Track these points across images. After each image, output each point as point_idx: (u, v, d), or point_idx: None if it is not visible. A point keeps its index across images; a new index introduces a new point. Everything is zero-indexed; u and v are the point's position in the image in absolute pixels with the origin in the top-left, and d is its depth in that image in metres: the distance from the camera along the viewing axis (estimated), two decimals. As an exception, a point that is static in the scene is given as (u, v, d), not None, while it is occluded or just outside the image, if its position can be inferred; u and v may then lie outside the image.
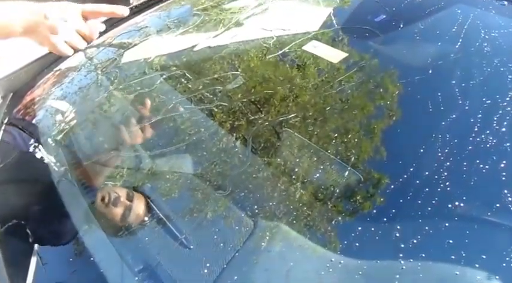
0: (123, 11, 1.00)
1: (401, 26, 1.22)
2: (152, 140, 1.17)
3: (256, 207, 0.92)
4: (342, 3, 1.45)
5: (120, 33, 1.73)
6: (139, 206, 1.03)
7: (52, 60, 1.63)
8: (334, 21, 1.29)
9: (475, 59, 1.09)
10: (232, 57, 1.34)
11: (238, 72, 1.24)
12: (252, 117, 1.09)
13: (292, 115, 1.04)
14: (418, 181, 0.83)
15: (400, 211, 0.82)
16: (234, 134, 1.07)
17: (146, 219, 1.01)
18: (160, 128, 1.18)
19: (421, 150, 0.88)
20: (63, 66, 1.66)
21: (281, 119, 1.04)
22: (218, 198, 0.97)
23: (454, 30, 1.15)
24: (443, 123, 0.92)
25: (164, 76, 1.32)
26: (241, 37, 1.43)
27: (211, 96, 1.18)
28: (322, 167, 0.94)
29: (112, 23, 1.75)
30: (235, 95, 1.16)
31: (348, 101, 1.05)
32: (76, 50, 0.96)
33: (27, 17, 0.89)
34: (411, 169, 0.85)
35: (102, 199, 1.04)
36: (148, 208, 1.03)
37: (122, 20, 1.78)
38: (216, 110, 1.14)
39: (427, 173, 0.84)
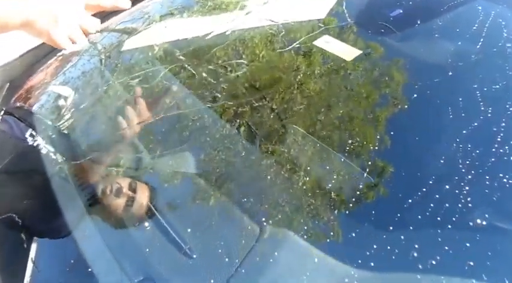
0: (125, 3, 0.96)
1: (418, 22, 1.15)
2: (154, 134, 1.13)
3: (262, 211, 0.88)
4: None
5: (124, 20, 1.68)
6: (142, 197, 0.99)
7: (49, 50, 1.57)
8: (347, 15, 1.22)
9: (497, 61, 1.02)
10: (237, 45, 1.28)
11: (243, 61, 1.19)
12: (259, 114, 1.04)
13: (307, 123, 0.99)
14: (437, 196, 0.78)
15: (417, 224, 0.77)
16: (240, 130, 1.02)
17: (149, 212, 0.97)
18: (163, 123, 1.13)
19: (441, 161, 0.83)
20: (61, 54, 1.60)
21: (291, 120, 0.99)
22: (223, 200, 0.93)
23: (474, 28, 1.09)
24: (464, 131, 0.87)
25: (168, 67, 1.26)
26: (248, 26, 1.37)
27: (215, 82, 1.14)
28: (335, 171, 0.89)
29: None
30: (240, 88, 1.11)
31: (361, 102, 1.00)
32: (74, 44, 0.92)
33: (28, 11, 0.85)
34: (431, 182, 0.80)
35: (104, 190, 1.02)
36: (152, 199, 1.00)
37: None
38: (221, 107, 1.09)
39: (447, 187, 0.79)
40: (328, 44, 1.10)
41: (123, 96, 1.27)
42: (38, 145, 1.22)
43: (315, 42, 1.12)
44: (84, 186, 1.08)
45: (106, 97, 1.32)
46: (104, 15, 1.61)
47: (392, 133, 0.91)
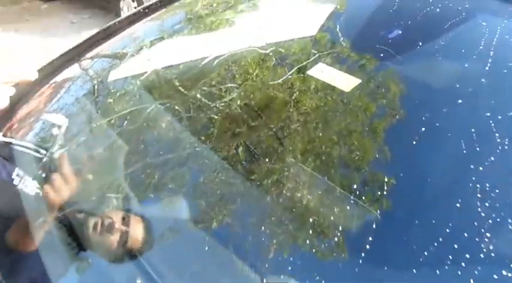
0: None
1: (420, 44, 1.06)
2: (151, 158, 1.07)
3: (264, 259, 0.81)
4: (349, 19, 1.29)
5: (115, 45, 1.66)
6: (137, 230, 0.95)
7: (31, 87, 1.50)
8: (342, 39, 1.14)
9: (510, 83, 0.93)
10: (230, 66, 1.25)
11: (234, 85, 1.16)
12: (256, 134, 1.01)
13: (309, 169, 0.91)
14: (456, 246, 0.70)
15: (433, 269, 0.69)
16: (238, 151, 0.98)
17: (146, 243, 0.94)
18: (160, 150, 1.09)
19: (458, 205, 0.74)
20: (45, 91, 1.54)
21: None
22: (221, 250, 0.87)
23: (481, 47, 1.00)
24: (480, 168, 0.78)
25: (158, 102, 1.21)
26: (239, 47, 1.33)
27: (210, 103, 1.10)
28: (340, 210, 0.83)
29: (105, 35, 1.68)
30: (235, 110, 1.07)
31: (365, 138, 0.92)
32: None
33: None
34: (448, 230, 0.72)
35: (95, 227, 0.96)
36: (148, 232, 0.96)
37: (115, 31, 1.71)
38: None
39: (466, 235, 0.71)
40: (323, 73, 1.02)
41: (111, 136, 1.23)
42: (25, 186, 1.14)
43: (309, 72, 1.04)
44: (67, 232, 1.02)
45: (91, 139, 1.27)
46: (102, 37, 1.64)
47: (401, 174, 0.83)
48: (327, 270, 0.78)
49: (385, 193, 0.80)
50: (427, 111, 0.92)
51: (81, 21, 5.96)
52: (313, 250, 0.80)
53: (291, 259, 0.80)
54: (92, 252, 0.98)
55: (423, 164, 0.85)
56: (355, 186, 0.84)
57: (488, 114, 0.88)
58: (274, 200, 0.88)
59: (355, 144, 0.90)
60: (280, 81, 1.08)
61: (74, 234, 1.01)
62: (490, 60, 0.97)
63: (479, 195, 0.74)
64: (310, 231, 0.82)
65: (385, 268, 0.74)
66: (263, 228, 0.85)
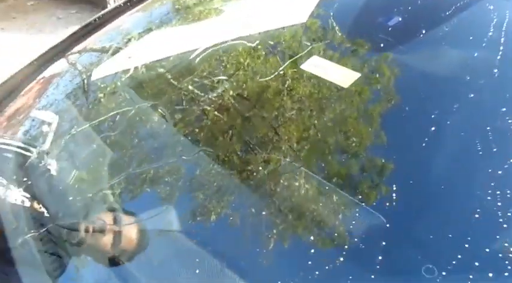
0: None
1: (423, 31, 0.97)
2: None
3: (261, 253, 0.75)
4: (344, 5, 1.20)
5: (102, 38, 1.60)
6: (130, 230, 0.91)
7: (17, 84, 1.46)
8: (337, 29, 1.05)
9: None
10: (220, 63, 1.19)
11: (224, 77, 1.10)
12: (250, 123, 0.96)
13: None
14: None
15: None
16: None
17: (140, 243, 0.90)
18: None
19: (476, 216, 0.66)
20: (33, 87, 1.47)
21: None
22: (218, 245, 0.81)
23: (490, 34, 0.91)
24: (499, 172, 0.69)
25: (149, 97, 1.16)
26: (229, 37, 1.26)
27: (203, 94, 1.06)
28: (338, 202, 0.76)
29: (91, 28, 1.64)
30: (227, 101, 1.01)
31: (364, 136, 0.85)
32: None
33: None
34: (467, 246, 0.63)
35: (87, 229, 0.91)
36: (142, 230, 0.92)
37: (101, 24, 1.68)
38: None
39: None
40: (318, 67, 0.94)
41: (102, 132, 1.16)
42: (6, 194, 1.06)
43: (303, 66, 0.96)
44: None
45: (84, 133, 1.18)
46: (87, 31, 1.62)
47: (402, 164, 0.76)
48: (325, 262, 0.71)
49: (384, 180, 0.76)
50: (431, 101, 0.86)
51: (68, 16, 5.89)
52: (313, 241, 0.74)
53: (289, 252, 0.76)
54: (85, 256, 0.93)
55: (426, 154, 0.79)
56: (353, 175, 0.80)
57: (493, 103, 0.82)
58: (271, 191, 0.83)
59: (353, 132, 0.86)
60: (275, 74, 1.01)
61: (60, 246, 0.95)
62: (489, 46, 0.90)
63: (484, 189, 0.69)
64: (309, 224, 0.77)
65: (385, 265, 0.67)
66: (261, 220, 0.80)
